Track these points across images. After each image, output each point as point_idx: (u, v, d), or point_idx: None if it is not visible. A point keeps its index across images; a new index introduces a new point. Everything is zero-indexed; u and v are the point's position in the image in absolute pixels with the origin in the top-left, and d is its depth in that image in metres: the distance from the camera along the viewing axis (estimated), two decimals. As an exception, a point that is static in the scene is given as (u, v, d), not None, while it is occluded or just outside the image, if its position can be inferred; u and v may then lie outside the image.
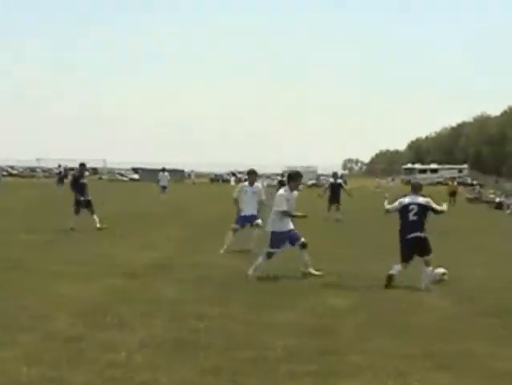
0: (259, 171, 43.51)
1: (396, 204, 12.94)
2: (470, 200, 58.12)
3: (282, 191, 13.64)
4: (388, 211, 13.16)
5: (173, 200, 41.32)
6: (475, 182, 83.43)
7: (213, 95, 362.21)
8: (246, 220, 17.20)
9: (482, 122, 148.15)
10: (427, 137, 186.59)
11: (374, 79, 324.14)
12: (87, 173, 24.15)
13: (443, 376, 6.95)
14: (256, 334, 8.42)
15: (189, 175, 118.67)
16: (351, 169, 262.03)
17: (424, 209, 12.66)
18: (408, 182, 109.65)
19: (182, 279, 12.49)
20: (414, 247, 12.52)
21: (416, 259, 12.59)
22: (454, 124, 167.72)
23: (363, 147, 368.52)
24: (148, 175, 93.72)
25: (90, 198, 22.11)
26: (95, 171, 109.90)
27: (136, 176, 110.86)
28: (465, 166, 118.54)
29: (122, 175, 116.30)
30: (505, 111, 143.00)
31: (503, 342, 8.49)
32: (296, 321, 9.30)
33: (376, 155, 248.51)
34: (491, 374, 7.11)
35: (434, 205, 12.85)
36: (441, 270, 13.08)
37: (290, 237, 13.56)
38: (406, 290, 11.99)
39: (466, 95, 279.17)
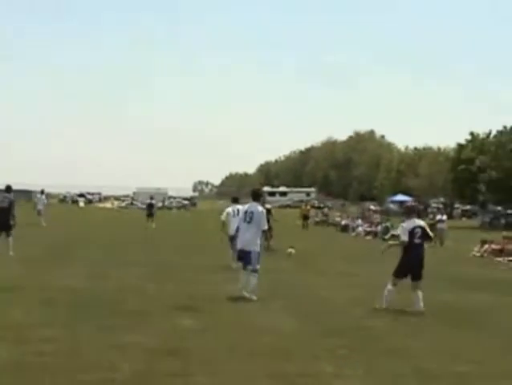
0: (110, 193, 43.28)
1: (403, 230, 13.63)
2: (317, 223, 59.62)
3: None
4: (403, 243, 13.51)
5: (22, 220, 40.21)
6: (322, 205, 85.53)
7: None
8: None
9: (329, 146, 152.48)
10: (276, 161, 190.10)
11: (223, 102, 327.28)
12: None
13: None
14: (104, 356, 8.38)
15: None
16: (201, 191, 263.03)
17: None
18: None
19: (30, 301, 12.26)
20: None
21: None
22: (303, 148, 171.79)
23: (213, 169, 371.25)
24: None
25: None
26: None
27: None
28: (313, 189, 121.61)
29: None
30: (350, 137, 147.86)
31: (345, 362, 8.77)
32: (145, 343, 9.30)
33: (226, 177, 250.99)
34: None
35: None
36: None
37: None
38: (257, 312, 12.27)
39: (316, 118, 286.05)
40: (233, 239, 17.50)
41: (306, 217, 53.15)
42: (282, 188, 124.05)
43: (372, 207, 69.50)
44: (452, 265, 25.01)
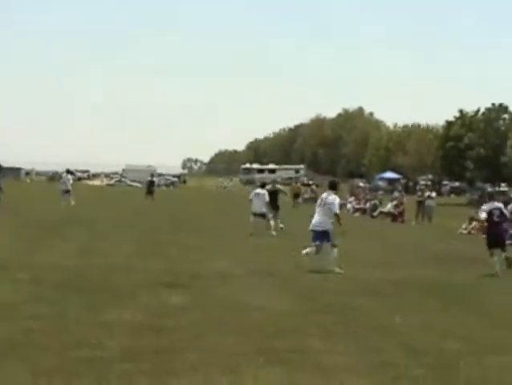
0: (100, 170, 43.35)
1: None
2: (305, 200, 59.60)
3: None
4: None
5: (10, 198, 40.01)
6: (311, 182, 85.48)
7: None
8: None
9: (318, 124, 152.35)
10: (265, 138, 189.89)
11: (216, 80, 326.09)
12: None
13: (275, 372, 7.11)
14: (91, 334, 8.35)
15: (28, 173, 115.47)
16: (190, 168, 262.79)
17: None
18: (247, 182, 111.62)
19: (17, 279, 12.21)
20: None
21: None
22: (292, 126, 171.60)
23: (202, 146, 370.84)
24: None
25: None
26: None
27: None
28: (302, 166, 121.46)
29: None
30: (339, 114, 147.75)
31: (335, 338, 8.79)
32: (133, 320, 9.29)
33: (216, 154, 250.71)
34: (323, 369, 7.34)
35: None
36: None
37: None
38: (246, 289, 12.26)
39: (304, 97, 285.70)
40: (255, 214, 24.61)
41: (297, 195, 52.82)
42: (271, 166, 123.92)
43: (361, 184, 69.46)
44: (440, 242, 25.08)
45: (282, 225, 25.61)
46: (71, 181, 41.12)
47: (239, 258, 16.70)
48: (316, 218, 15.91)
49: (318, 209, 16.03)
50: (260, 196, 24.94)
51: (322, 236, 15.59)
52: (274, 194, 26.47)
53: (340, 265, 15.09)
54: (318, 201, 16.35)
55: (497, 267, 16.05)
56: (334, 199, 15.85)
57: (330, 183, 17.27)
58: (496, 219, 16.71)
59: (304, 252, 15.69)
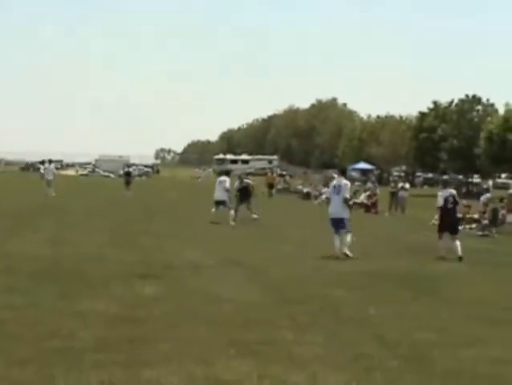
0: (71, 160, 43.04)
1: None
2: (279, 191, 59.62)
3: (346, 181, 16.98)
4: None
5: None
6: (284, 173, 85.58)
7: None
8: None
9: (292, 114, 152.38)
10: (239, 128, 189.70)
11: (190, 70, 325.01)
12: None
13: (246, 363, 7.12)
14: (64, 324, 8.33)
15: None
16: (163, 158, 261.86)
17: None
18: (221, 172, 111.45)
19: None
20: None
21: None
22: (265, 116, 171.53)
23: (175, 137, 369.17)
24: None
25: None
26: None
27: None
28: (275, 157, 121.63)
29: None
30: (313, 104, 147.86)
31: (305, 329, 8.80)
32: (104, 310, 9.27)
33: (189, 145, 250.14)
34: (295, 360, 7.35)
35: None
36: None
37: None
38: (218, 280, 12.25)
39: (278, 87, 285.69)
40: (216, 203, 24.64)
41: (271, 186, 52.77)
42: (244, 156, 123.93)
43: (335, 175, 69.61)
44: (412, 233, 25.22)
45: (255, 216, 25.52)
46: (55, 171, 41.07)
47: (212, 249, 16.67)
48: (333, 206, 16.91)
49: (333, 197, 16.92)
50: (221, 182, 24.89)
51: (338, 223, 16.52)
52: (243, 191, 26.33)
53: (353, 251, 16.23)
54: (332, 190, 17.17)
55: (443, 252, 17.16)
56: (345, 184, 16.81)
57: (340, 169, 19.12)
58: (450, 206, 17.63)
59: (348, 239, 16.48)
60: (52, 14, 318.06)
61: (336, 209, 16.72)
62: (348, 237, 16.44)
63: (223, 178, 25.01)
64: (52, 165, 41.60)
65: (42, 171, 42.27)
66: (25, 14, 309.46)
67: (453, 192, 17.97)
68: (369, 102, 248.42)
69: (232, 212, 24.53)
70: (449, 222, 17.54)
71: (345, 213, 16.72)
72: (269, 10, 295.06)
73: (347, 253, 16.11)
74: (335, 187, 16.99)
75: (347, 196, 16.86)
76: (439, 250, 17.19)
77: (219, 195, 24.71)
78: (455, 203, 17.77)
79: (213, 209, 24.66)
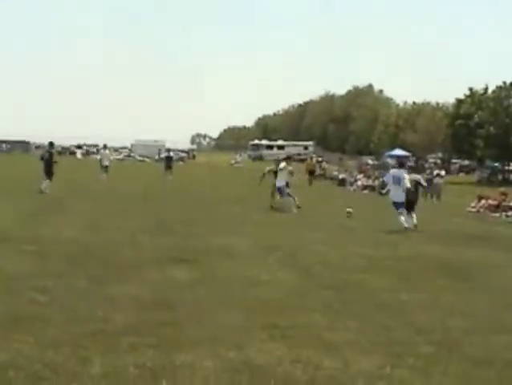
0: (108, 144, 43.29)
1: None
2: (315, 177, 59.54)
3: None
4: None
5: (20, 171, 40.06)
6: (320, 159, 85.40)
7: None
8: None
9: (328, 101, 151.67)
10: (274, 114, 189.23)
11: (226, 56, 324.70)
12: None
13: (279, 347, 7.12)
14: (96, 308, 8.36)
15: (37, 147, 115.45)
16: (199, 144, 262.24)
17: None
18: (256, 158, 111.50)
19: (22, 253, 12.20)
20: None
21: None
22: (301, 102, 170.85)
23: (212, 122, 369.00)
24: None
25: None
26: None
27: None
28: (311, 143, 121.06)
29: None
30: (349, 91, 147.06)
31: (338, 314, 8.77)
32: (136, 294, 9.29)
33: (225, 130, 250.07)
34: (326, 344, 7.34)
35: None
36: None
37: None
38: (251, 265, 12.25)
39: (314, 74, 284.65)
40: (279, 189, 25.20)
41: (312, 172, 50.99)
42: (280, 142, 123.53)
43: (370, 161, 69.30)
44: (447, 220, 25.04)
45: (297, 203, 25.38)
46: (111, 157, 41.73)
47: (246, 234, 16.67)
48: (395, 192, 20.11)
49: (394, 186, 20.14)
50: (282, 170, 25.22)
51: (402, 205, 19.83)
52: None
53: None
54: (391, 179, 20.38)
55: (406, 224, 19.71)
56: (404, 177, 19.92)
57: (398, 162, 22.51)
58: (413, 189, 20.49)
59: (402, 219, 19.53)
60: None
61: (398, 195, 19.87)
62: (413, 215, 20.34)
63: (282, 165, 25.15)
64: (107, 151, 42.09)
65: (98, 156, 42.68)
66: None
67: (418, 176, 22.19)
68: (405, 89, 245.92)
69: (287, 199, 24.80)
70: (409, 201, 20.29)
71: (403, 198, 19.90)
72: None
73: (413, 228, 19.66)
74: (394, 177, 20.19)
75: (408, 186, 19.79)
76: (401, 223, 19.60)
77: (277, 182, 25.18)
78: (419, 185, 21.48)
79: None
